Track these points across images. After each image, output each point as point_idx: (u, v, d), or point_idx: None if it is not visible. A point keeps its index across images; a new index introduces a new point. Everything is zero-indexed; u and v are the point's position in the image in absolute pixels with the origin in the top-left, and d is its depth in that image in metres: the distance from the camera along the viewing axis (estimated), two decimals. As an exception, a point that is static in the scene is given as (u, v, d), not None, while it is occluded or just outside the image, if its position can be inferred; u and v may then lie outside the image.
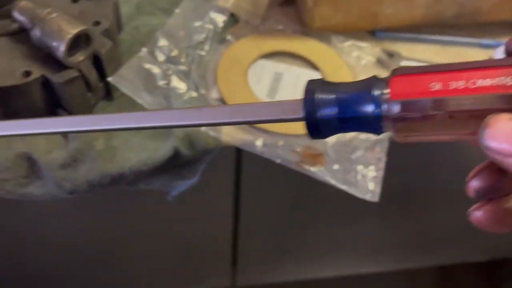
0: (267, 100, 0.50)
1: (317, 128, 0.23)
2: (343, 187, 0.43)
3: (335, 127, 0.23)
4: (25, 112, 0.44)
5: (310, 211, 0.76)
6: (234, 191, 0.66)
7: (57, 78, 0.42)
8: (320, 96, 0.23)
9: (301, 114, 0.23)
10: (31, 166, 0.45)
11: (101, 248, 0.77)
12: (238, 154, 0.57)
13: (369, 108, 0.21)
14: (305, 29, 0.57)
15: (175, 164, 0.48)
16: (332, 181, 0.43)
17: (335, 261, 0.98)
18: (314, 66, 0.54)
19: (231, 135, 0.47)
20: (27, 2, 0.43)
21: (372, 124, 0.22)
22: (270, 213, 0.77)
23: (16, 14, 0.43)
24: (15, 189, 0.46)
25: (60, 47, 0.40)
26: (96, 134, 0.46)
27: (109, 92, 0.49)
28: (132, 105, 0.49)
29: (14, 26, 0.45)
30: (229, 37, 0.55)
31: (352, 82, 0.23)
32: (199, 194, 0.53)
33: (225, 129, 0.48)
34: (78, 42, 0.42)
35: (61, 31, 0.40)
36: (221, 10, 0.56)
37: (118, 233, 0.74)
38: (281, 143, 0.46)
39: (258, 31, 0.56)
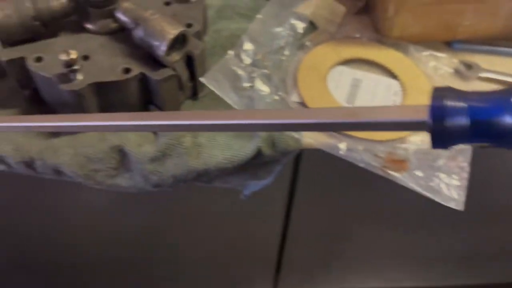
0: (347, 105, 0.51)
1: (443, 136, 0.22)
2: (427, 194, 0.44)
3: (463, 136, 0.22)
4: (120, 106, 0.46)
5: (364, 220, 0.76)
6: (288, 195, 0.67)
7: (155, 75, 0.44)
8: (450, 103, 0.22)
9: (426, 120, 0.23)
10: (121, 159, 0.48)
11: (147, 247, 0.79)
12: (297, 158, 0.58)
13: (509, 119, 0.21)
14: (381, 37, 0.57)
15: (254, 164, 0.50)
16: (417, 188, 0.44)
17: (383, 273, 0.97)
18: (391, 74, 0.55)
19: (313, 137, 0.48)
20: (130, 3, 0.46)
21: (509, 136, 0.22)
22: (322, 221, 0.77)
23: (119, 14, 0.46)
24: (104, 180, 0.48)
25: (162, 47, 0.42)
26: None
27: (195, 92, 0.51)
28: (215, 105, 0.51)
29: (114, 25, 0.47)
30: (307, 43, 0.56)
31: (484, 91, 0.23)
32: (253, 195, 0.53)
33: (307, 132, 0.49)
34: (175, 42, 0.44)
35: (163, 31, 0.43)
36: (300, 17, 0.57)
37: (166, 232, 0.75)
38: (363, 147, 0.47)
39: (335, 38, 0.58)
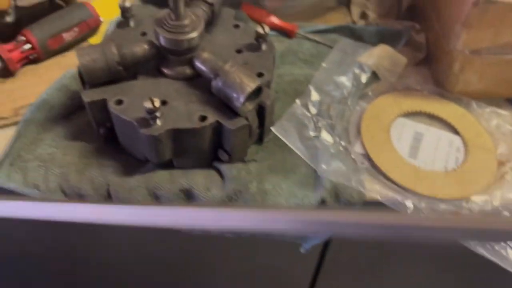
0: (410, 160, 0.52)
1: None
2: (494, 259, 0.44)
3: None
4: (191, 150, 0.48)
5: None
6: (320, 253, 0.67)
7: (229, 124, 0.46)
8: None
9: None
10: (188, 200, 0.49)
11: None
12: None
13: None
14: (443, 91, 0.58)
15: (315, 212, 0.51)
16: (483, 252, 0.44)
17: None
18: (453, 130, 0.55)
19: (377, 191, 0.49)
20: (208, 54, 0.48)
21: None
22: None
23: (198, 64, 0.48)
24: (170, 219, 0.50)
25: (240, 99, 0.44)
26: (250, 177, 0.49)
27: (261, 137, 0.52)
28: (281, 151, 0.52)
29: (190, 71, 0.49)
30: (370, 93, 0.57)
31: None
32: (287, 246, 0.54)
33: (369, 185, 0.49)
34: (250, 94, 0.46)
35: (242, 84, 0.44)
36: (363, 67, 0.58)
37: (198, 271, 0.76)
38: (425, 204, 0.47)
39: (396, 89, 0.58)
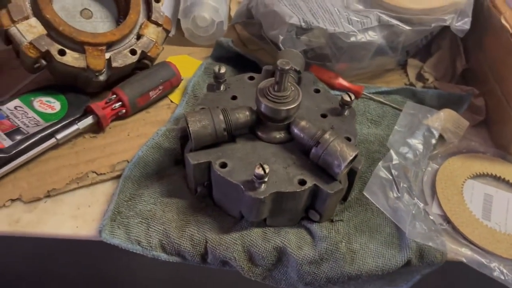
0: (485, 221, 0.55)
1: None
2: None
3: None
4: (287, 210, 0.51)
5: None
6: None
7: (327, 188, 0.49)
8: None
9: None
10: (280, 257, 0.52)
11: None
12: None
13: None
14: (505, 153, 0.62)
15: (396, 271, 0.53)
16: None
17: None
18: (520, 192, 0.59)
19: (458, 252, 0.52)
20: (305, 122, 0.52)
21: None
22: None
23: (297, 131, 0.51)
24: (263, 274, 0.52)
25: (341, 166, 0.48)
26: (339, 237, 0.52)
27: (346, 197, 0.55)
28: (364, 210, 0.55)
29: (284, 136, 0.53)
30: (438, 155, 0.61)
31: None
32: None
33: (449, 245, 0.53)
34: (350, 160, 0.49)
35: (343, 153, 0.48)
36: (431, 130, 0.62)
37: None
38: (508, 267, 0.50)
39: (462, 151, 0.62)
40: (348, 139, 0.54)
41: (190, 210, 0.54)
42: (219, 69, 0.57)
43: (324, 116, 0.57)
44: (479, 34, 0.69)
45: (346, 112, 0.57)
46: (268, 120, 0.52)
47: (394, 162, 0.57)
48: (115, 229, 0.52)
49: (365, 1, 0.67)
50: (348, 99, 0.55)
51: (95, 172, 0.56)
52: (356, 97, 0.69)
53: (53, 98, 0.61)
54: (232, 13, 0.79)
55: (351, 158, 0.48)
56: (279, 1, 0.65)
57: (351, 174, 0.52)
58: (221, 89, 0.58)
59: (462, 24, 0.63)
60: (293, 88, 0.51)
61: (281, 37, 0.63)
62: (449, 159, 0.61)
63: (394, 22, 0.65)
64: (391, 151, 0.58)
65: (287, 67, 0.48)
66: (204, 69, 0.71)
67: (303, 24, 0.62)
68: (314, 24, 0.62)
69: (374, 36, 0.64)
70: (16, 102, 0.60)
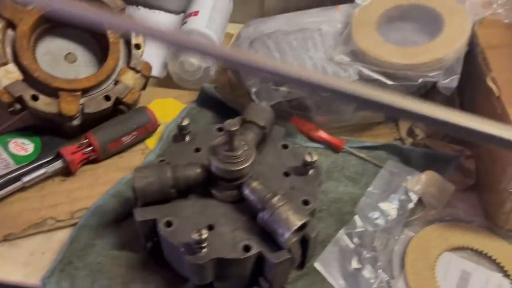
0: (456, 303, 0.50)
1: None
2: None
3: None
4: (232, 276, 0.49)
5: None
6: None
7: (272, 258, 0.46)
8: None
9: None
10: (225, 324, 0.49)
11: None
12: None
13: None
14: (493, 225, 0.56)
15: None
16: None
17: None
18: (503, 271, 0.53)
19: None
20: (257, 183, 0.49)
21: None
22: None
23: (247, 192, 0.49)
24: None
25: (285, 235, 0.45)
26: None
27: (302, 264, 0.52)
28: (320, 281, 0.51)
29: (238, 196, 0.51)
30: (415, 222, 0.57)
31: None
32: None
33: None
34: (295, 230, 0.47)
35: (288, 221, 0.45)
36: (409, 193, 0.58)
37: None
38: None
39: (444, 219, 0.57)
40: (306, 202, 0.51)
41: (139, 266, 0.52)
42: (182, 121, 0.56)
43: (287, 174, 0.54)
44: (472, 92, 0.64)
45: (311, 172, 0.54)
46: (220, 179, 0.50)
47: (357, 230, 0.53)
48: (61, 280, 0.51)
49: (350, 53, 0.65)
50: (309, 159, 0.53)
51: (54, 219, 0.57)
52: (337, 151, 0.66)
53: (28, 140, 0.63)
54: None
55: (296, 227, 0.45)
56: (255, 51, 0.64)
57: (305, 241, 0.49)
58: (186, 140, 0.57)
59: (449, 82, 0.59)
60: (245, 148, 0.50)
61: (253, 89, 0.62)
62: (426, 227, 0.56)
63: (376, 76, 0.61)
64: (356, 217, 0.54)
65: (233, 128, 0.46)
66: (185, 115, 0.70)
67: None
68: (287, 77, 0.60)
69: (353, 91, 0.61)
70: (-7, 142, 0.62)
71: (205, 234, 0.45)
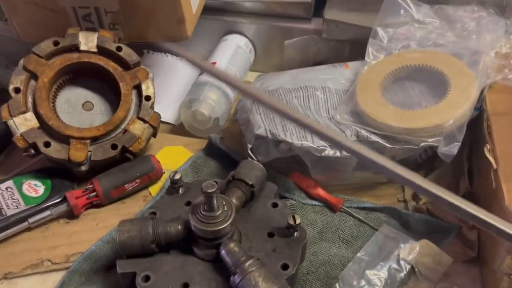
0: None
1: None
2: None
3: None
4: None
5: None
6: None
7: (241, 323, 0.46)
8: None
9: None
10: None
11: None
12: None
13: None
14: (491, 305, 0.53)
15: None
16: None
17: None
18: None
19: None
20: (235, 244, 0.50)
21: None
22: None
23: (223, 253, 0.50)
24: None
25: (252, 302, 0.45)
26: None
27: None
28: None
29: (217, 255, 0.51)
30: (404, 294, 0.54)
31: None
32: None
33: None
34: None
35: (256, 288, 0.45)
36: (401, 263, 0.56)
37: None
38: None
39: (437, 293, 0.55)
40: (285, 267, 0.51)
41: (121, 315, 0.54)
42: (174, 175, 0.58)
43: (271, 235, 0.54)
44: (478, 158, 0.61)
45: (296, 234, 0.54)
46: (199, 238, 0.51)
47: (337, 299, 0.51)
48: (47, 324, 0.53)
49: (351, 113, 0.65)
50: (292, 222, 0.52)
51: (50, 261, 0.60)
52: (334, 211, 0.65)
53: (40, 182, 0.67)
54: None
55: (263, 297, 0.45)
56: (256, 109, 0.65)
57: (279, 306, 0.48)
58: (180, 192, 0.59)
59: (449, 149, 0.57)
60: (225, 208, 0.50)
61: (249, 145, 0.63)
62: (416, 302, 0.54)
63: (374, 139, 0.61)
64: (336, 285, 0.52)
65: (210, 190, 0.47)
66: (191, 163, 0.72)
67: (269, 135, 0.61)
68: (281, 136, 0.61)
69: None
70: (9, 183, 0.66)
71: (174, 294, 0.45)
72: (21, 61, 0.66)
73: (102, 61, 0.69)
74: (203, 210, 0.50)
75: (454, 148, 0.57)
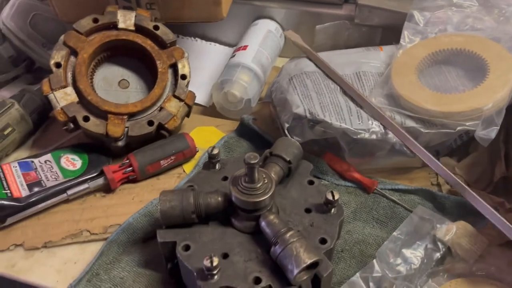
0: None
1: None
2: None
3: None
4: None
5: None
6: None
7: (281, 293, 0.47)
8: None
9: None
10: None
11: None
12: None
13: None
14: (528, 286, 0.53)
15: None
16: None
17: None
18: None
19: None
20: (274, 216, 0.50)
21: None
22: None
23: (263, 224, 0.50)
24: None
25: (294, 271, 0.45)
26: None
27: (315, 303, 0.52)
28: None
29: (256, 227, 0.52)
30: (441, 273, 0.54)
31: None
32: None
33: None
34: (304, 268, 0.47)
35: (298, 258, 0.45)
36: (438, 242, 0.56)
37: None
38: None
39: (473, 274, 0.54)
40: (323, 241, 0.51)
41: (159, 285, 0.55)
42: (212, 150, 0.59)
43: (308, 210, 0.55)
44: (516, 141, 0.61)
45: (333, 210, 0.54)
46: (239, 210, 0.52)
47: (375, 274, 0.52)
48: (86, 290, 0.55)
49: (387, 96, 0.64)
50: (330, 197, 0.53)
51: (89, 231, 0.61)
52: (368, 192, 0.65)
53: (78, 156, 0.68)
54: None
55: (305, 265, 0.45)
56: (294, 89, 0.65)
57: (317, 280, 0.49)
58: (216, 168, 0.60)
59: (487, 133, 0.57)
60: (265, 180, 0.51)
61: (286, 125, 0.63)
62: (452, 281, 0.54)
63: (410, 123, 0.61)
64: (374, 261, 0.53)
65: (253, 161, 0.48)
66: (223, 143, 0.73)
67: (308, 115, 0.61)
68: (320, 117, 0.61)
69: (386, 135, 0.61)
70: (48, 156, 0.68)
71: (216, 261, 0.46)
72: (62, 37, 0.67)
73: (139, 39, 0.70)
74: (244, 182, 0.50)
75: (492, 132, 0.57)
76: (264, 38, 0.87)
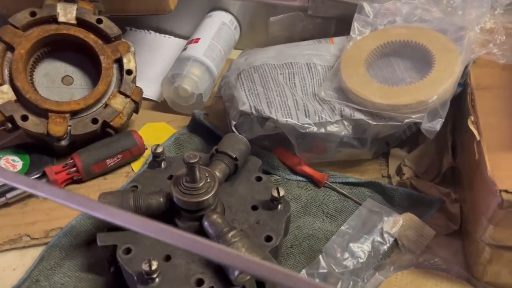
0: None
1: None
2: None
3: None
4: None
5: None
6: None
7: (223, 294, 0.46)
8: None
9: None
10: None
11: None
12: None
13: None
14: (471, 277, 0.53)
15: None
16: None
17: None
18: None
19: None
20: (218, 216, 0.49)
21: None
22: None
23: (206, 224, 0.49)
24: None
25: (235, 272, 0.44)
26: None
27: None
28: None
29: (199, 227, 0.51)
30: (388, 266, 0.54)
31: None
32: None
33: None
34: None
35: (239, 258, 0.44)
36: (384, 235, 0.56)
37: None
38: None
39: (420, 265, 0.55)
40: (269, 238, 0.50)
41: (101, 290, 0.53)
42: (156, 148, 0.57)
43: (255, 208, 0.54)
44: (462, 132, 0.62)
45: (280, 207, 0.53)
46: (182, 210, 0.50)
47: (320, 270, 0.51)
48: (25, 299, 0.52)
49: (336, 90, 0.64)
50: (276, 194, 0.52)
51: (29, 236, 0.58)
52: (319, 186, 0.65)
53: (19, 157, 0.65)
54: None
55: (246, 265, 0.44)
56: (241, 85, 0.64)
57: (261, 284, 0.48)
58: (162, 166, 0.58)
59: (433, 125, 0.57)
60: (208, 179, 0.50)
61: (233, 122, 0.62)
62: (398, 273, 0.54)
63: (358, 116, 0.60)
64: (320, 256, 0.52)
65: (192, 161, 0.47)
66: (174, 140, 0.71)
67: (254, 112, 0.60)
68: (266, 113, 0.60)
69: (334, 128, 0.60)
70: (-14, 158, 0.65)
71: (155, 265, 0.45)
72: (-3, 32, 0.64)
73: (81, 34, 0.67)
74: (185, 182, 0.49)
75: (437, 124, 0.57)
76: (217, 30, 0.85)
